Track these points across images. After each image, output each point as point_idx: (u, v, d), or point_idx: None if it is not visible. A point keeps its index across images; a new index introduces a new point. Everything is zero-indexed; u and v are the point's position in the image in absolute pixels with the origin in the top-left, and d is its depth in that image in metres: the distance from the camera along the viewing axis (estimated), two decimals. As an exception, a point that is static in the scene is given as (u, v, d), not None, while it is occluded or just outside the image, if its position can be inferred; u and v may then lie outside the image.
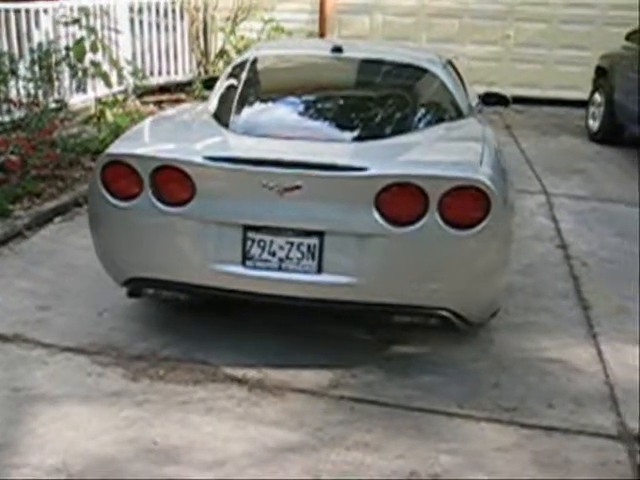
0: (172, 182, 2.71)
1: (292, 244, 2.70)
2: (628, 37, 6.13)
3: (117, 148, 2.82)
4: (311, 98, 3.37)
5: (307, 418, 2.69)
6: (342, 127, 3.14)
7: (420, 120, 3.19)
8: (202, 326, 3.27)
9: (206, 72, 7.74)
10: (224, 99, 3.42)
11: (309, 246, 2.69)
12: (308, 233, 2.68)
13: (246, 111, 3.22)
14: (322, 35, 8.41)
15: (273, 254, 2.72)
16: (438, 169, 2.65)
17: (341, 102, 3.38)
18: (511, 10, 8.36)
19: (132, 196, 2.77)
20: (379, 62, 3.58)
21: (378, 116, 3.17)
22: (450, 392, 2.89)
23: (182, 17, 7.83)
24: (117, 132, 5.42)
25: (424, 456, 2.51)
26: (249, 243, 2.72)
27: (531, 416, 2.76)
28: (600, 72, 7.01)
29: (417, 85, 3.48)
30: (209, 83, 4.77)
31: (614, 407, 2.82)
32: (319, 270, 2.70)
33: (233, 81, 3.54)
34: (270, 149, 2.80)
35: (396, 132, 3.03)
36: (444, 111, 3.39)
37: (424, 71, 3.55)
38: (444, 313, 2.77)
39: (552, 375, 3.05)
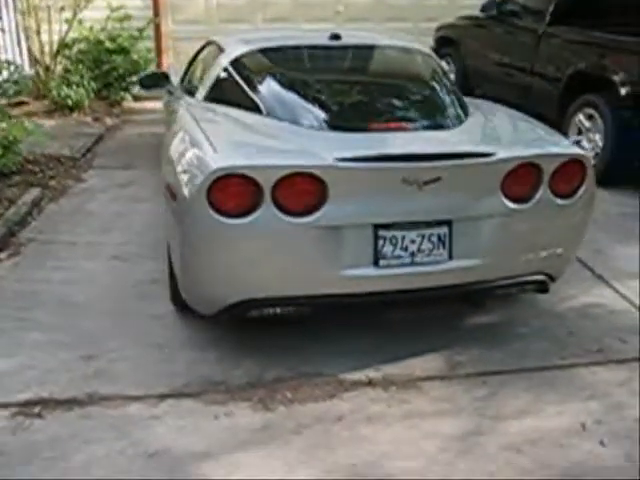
0: (300, 190, 2.52)
1: (423, 236, 2.69)
2: (484, 9, 6.81)
3: (224, 161, 2.50)
4: (354, 89, 3.27)
5: (458, 401, 2.75)
6: (413, 116, 3.13)
7: (460, 102, 3.30)
8: (279, 339, 3.09)
9: (47, 69, 6.89)
10: (247, 96, 3.19)
11: (439, 235, 2.71)
12: (438, 223, 2.70)
13: (307, 107, 3.04)
14: (157, 20, 7.93)
15: (405, 249, 2.68)
16: (553, 148, 2.84)
17: (386, 91, 3.32)
18: (340, -14, 8.68)
19: (247, 212, 2.52)
20: (383, 47, 3.61)
21: (434, 102, 3.23)
22: (542, 348, 3.14)
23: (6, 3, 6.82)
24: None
25: (576, 407, 2.73)
26: (380, 242, 2.65)
27: (617, 352, 3.11)
28: (443, 41, 7.69)
29: (435, 69, 3.57)
30: (150, 81, 4.38)
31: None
32: (450, 257, 2.74)
33: (241, 77, 3.33)
34: (384, 143, 2.72)
35: (459, 117, 3.11)
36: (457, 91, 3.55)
37: (428, 55, 3.66)
38: (542, 277, 3.00)
39: (598, 316, 3.43)
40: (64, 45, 6.86)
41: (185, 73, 4.59)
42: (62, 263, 3.82)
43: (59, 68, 7.12)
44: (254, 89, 3.23)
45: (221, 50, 3.69)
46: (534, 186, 2.76)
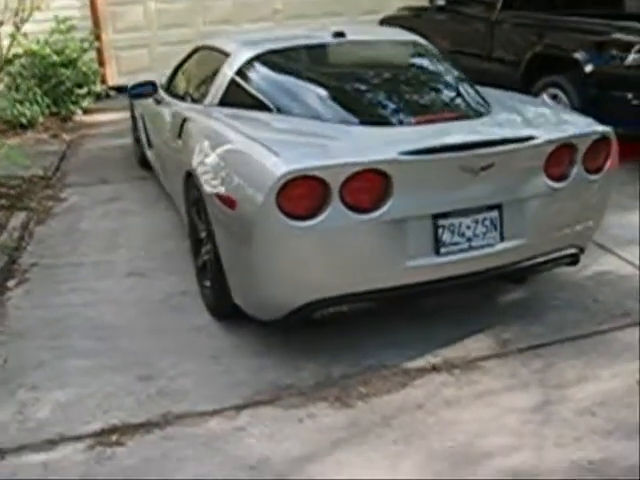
0: (366, 186, 2.55)
1: (477, 221, 2.78)
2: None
3: (292, 164, 2.48)
4: (383, 85, 3.29)
5: (520, 375, 2.86)
6: (448, 106, 3.21)
7: (477, 91, 3.41)
8: (329, 338, 3.10)
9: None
10: (275, 99, 3.19)
11: (491, 219, 2.81)
12: (490, 207, 2.79)
13: (343, 105, 3.06)
14: (97, 31, 7.69)
15: (462, 235, 2.77)
16: (585, 127, 2.98)
17: (414, 84, 3.38)
18: (278, -16, 8.68)
19: (316, 213, 2.53)
20: (390, 42, 3.67)
21: (461, 92, 3.31)
22: (576, 318, 3.30)
23: None
24: None
25: (626, 368, 2.89)
26: (440, 230, 2.72)
27: (641, 313, 3.33)
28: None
29: (443, 60, 3.66)
30: (140, 91, 4.27)
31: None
32: (502, 239, 2.85)
33: (262, 79, 3.33)
34: (436, 134, 2.78)
35: (487, 105, 3.21)
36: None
37: (431, 48, 3.76)
38: (575, 250, 3.16)
39: (612, 282, 3.63)
40: (7, 61, 6.54)
41: (170, 80, 4.49)
42: (76, 285, 3.69)
43: (0, 86, 6.79)
44: (281, 91, 3.24)
45: (225, 54, 3.65)
46: (571, 164, 2.92)
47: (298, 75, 3.36)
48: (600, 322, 3.25)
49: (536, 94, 5.59)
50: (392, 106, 3.08)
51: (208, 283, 3.28)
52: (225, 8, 8.49)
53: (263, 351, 3.05)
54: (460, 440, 2.49)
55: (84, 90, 7.19)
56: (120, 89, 8.16)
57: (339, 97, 3.14)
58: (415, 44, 3.75)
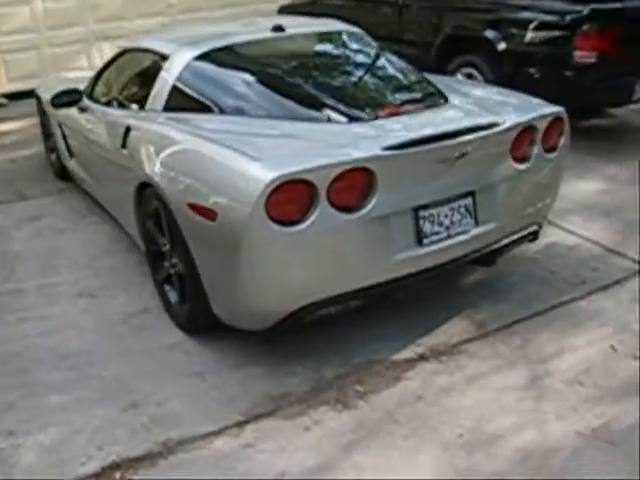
0: (352, 185, 2.51)
1: (453, 209, 2.82)
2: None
3: (278, 169, 2.39)
4: (339, 79, 3.23)
5: (503, 355, 2.94)
6: (407, 97, 3.20)
7: (426, 78, 3.44)
8: (309, 340, 3.05)
9: None
10: (230, 100, 3.08)
11: (466, 206, 2.85)
12: (464, 195, 2.84)
13: (303, 102, 2.99)
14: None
15: (441, 224, 2.79)
16: (542, 109, 3.06)
17: (369, 76, 3.33)
18: (169, -22, 8.35)
19: (304, 217, 2.47)
20: (328, 34, 3.62)
21: (414, 82, 3.32)
22: (538, 291, 3.42)
23: None
24: None
25: (598, 335, 3.06)
26: (421, 222, 2.73)
27: (596, 280, 3.49)
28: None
29: (383, 49, 3.65)
30: (64, 100, 4.00)
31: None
32: (476, 224, 2.90)
33: (213, 81, 3.20)
34: (409, 127, 2.77)
35: (442, 93, 3.23)
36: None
37: (364, 37, 3.75)
38: (536, 227, 3.28)
39: (562, 254, 3.79)
40: None
41: (93, 86, 4.23)
42: (25, 314, 3.42)
43: None
44: (234, 91, 3.12)
45: (162, 56, 3.47)
46: (532, 145, 3.01)
47: (249, 73, 3.24)
48: (561, 293, 3.40)
49: (451, 74, 5.74)
50: (355, 101, 3.04)
51: (176, 298, 3.14)
52: (116, 4, 8.07)
53: (247, 361, 2.96)
54: (467, 426, 2.54)
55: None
56: (13, 96, 7.66)
57: (299, 94, 3.06)
58: (354, 34, 3.72)
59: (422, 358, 2.95)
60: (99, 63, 8.04)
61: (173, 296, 3.18)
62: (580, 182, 4.73)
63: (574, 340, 3.04)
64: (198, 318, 3.01)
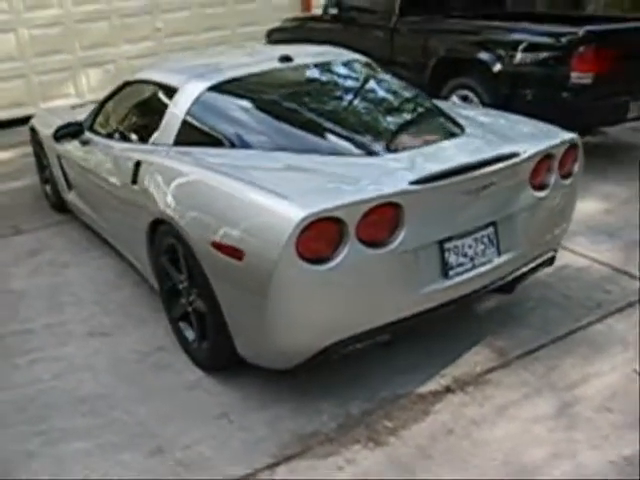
0: (380, 220, 2.48)
1: (477, 240, 2.81)
2: (325, 9, 7.01)
3: (308, 207, 2.34)
4: (357, 110, 3.20)
5: (529, 382, 2.92)
6: (426, 128, 3.20)
7: (439, 106, 3.45)
8: (333, 375, 3.01)
9: None
10: (246, 134, 3.04)
11: (488, 236, 2.85)
12: (487, 225, 2.83)
13: (325, 135, 2.96)
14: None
15: (465, 255, 2.78)
16: (559, 136, 3.06)
17: (383, 107, 3.31)
18: (155, 3, 8.29)
19: (334, 254, 2.44)
20: (338, 64, 3.60)
21: (430, 111, 3.32)
22: (555, 316, 3.42)
23: None
24: None
25: (619, 359, 3.06)
26: (446, 254, 2.72)
27: (611, 303, 3.50)
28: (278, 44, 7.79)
29: (395, 78, 3.65)
30: (66, 133, 3.95)
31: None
32: (499, 253, 2.90)
33: (228, 114, 3.17)
34: (433, 159, 2.75)
35: (458, 123, 3.23)
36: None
37: (374, 65, 3.74)
38: (553, 253, 3.29)
39: (573, 276, 3.80)
40: None
41: (95, 119, 4.17)
42: (35, 355, 3.34)
43: None
44: (249, 125, 3.08)
45: (170, 88, 3.43)
46: (550, 173, 3.02)
47: (262, 106, 3.21)
48: (578, 317, 3.41)
49: (446, 96, 5.78)
50: (374, 132, 3.02)
51: (194, 335, 3.08)
52: (101, 30, 8.02)
53: (271, 400, 2.91)
54: (501, 459, 2.52)
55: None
56: (-1, 125, 7.56)
57: (316, 127, 3.02)
58: (363, 63, 3.72)
59: (448, 390, 2.92)
60: (86, 90, 8.06)
61: (190, 334, 3.12)
62: (581, 202, 4.74)
63: (597, 365, 3.03)
64: (219, 356, 2.95)
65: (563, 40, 4.94)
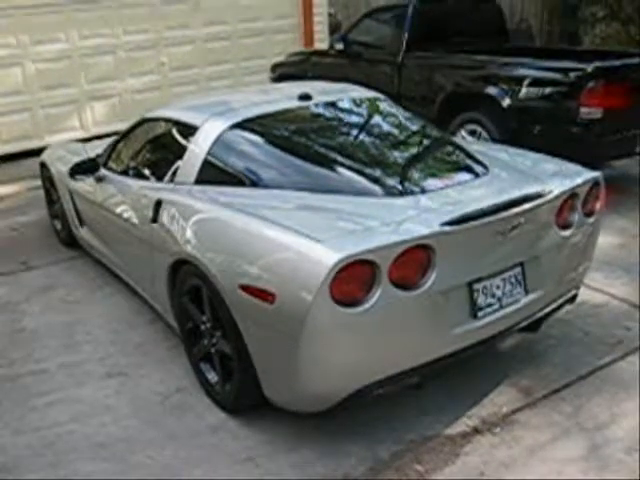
0: (412, 262, 2.47)
1: (505, 280, 2.80)
2: (332, 44, 7.08)
3: (344, 250, 2.32)
4: (381, 151, 3.21)
5: (557, 422, 2.90)
6: (453, 168, 3.21)
7: (459, 145, 3.47)
8: (357, 417, 2.97)
9: None
10: (268, 174, 3.04)
11: (516, 276, 2.84)
12: (514, 265, 2.82)
13: (350, 176, 2.97)
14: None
15: (493, 295, 2.76)
16: (583, 175, 3.09)
17: (408, 146, 3.33)
18: (160, 37, 8.36)
19: (366, 297, 2.42)
20: (357, 102, 3.62)
21: (453, 150, 3.33)
22: (577, 353, 3.40)
23: None
24: None
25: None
26: (475, 295, 2.70)
27: (632, 340, 3.49)
28: (285, 78, 7.81)
29: (413, 116, 3.67)
30: (82, 170, 3.96)
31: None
32: (526, 293, 2.88)
33: (250, 154, 3.17)
34: (461, 200, 2.74)
35: (481, 162, 3.24)
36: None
37: (391, 103, 3.77)
38: (576, 291, 3.28)
39: (592, 313, 3.79)
40: None
41: (109, 155, 4.17)
42: (52, 397, 3.28)
43: None
44: (273, 164, 3.08)
45: (190, 127, 3.43)
46: (573, 212, 3.02)
47: (285, 144, 3.21)
48: (600, 355, 3.39)
49: (454, 131, 5.81)
50: (402, 173, 3.02)
51: (217, 377, 3.04)
52: (107, 64, 8.06)
53: (298, 443, 2.86)
54: (538, 504, 2.48)
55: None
56: (5, 158, 7.54)
57: (342, 166, 3.02)
58: (382, 101, 3.74)
59: (476, 431, 2.88)
60: (91, 123, 8.08)
61: (212, 376, 3.08)
62: (595, 237, 4.77)
63: (624, 405, 3.01)
64: (244, 399, 2.91)
65: (572, 75, 5.00)
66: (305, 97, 3.53)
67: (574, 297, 3.31)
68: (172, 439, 2.93)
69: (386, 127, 3.49)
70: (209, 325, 2.99)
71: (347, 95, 3.70)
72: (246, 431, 2.94)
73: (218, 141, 3.25)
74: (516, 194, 2.75)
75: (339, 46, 6.98)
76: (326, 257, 2.34)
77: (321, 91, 3.74)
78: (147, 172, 3.73)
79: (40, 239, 5.41)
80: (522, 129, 5.38)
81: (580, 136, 5.04)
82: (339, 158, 3.09)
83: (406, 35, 6.33)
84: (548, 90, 5.15)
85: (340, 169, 3.03)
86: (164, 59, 8.47)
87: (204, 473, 2.71)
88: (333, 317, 2.39)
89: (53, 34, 7.64)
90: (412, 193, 2.84)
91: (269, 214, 2.73)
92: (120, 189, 3.82)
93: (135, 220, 3.55)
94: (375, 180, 2.92)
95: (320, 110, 3.49)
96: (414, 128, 3.52)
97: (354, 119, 3.56)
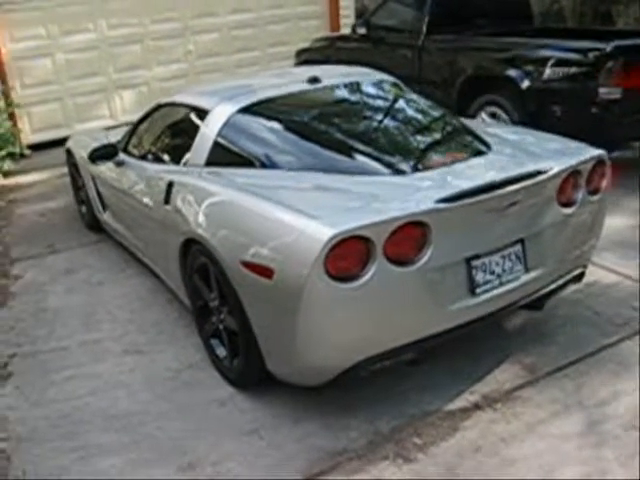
0: (407, 239, 2.52)
1: (504, 257, 2.83)
2: (354, 29, 7.12)
3: (336, 226, 2.40)
4: (385, 130, 3.25)
5: (558, 399, 2.92)
6: (454, 146, 3.24)
7: (465, 125, 3.49)
8: (361, 392, 3.05)
9: None
10: (274, 154, 3.12)
11: (516, 253, 2.86)
12: (514, 242, 2.85)
13: (352, 154, 3.04)
14: (6, 88, 7.26)
15: (492, 272, 2.80)
16: (586, 153, 3.08)
17: (411, 126, 3.38)
18: (186, 26, 8.48)
19: (361, 272, 2.48)
20: (365, 84, 3.67)
21: (458, 129, 3.37)
22: (584, 333, 3.41)
23: None
24: None
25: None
26: (474, 272, 2.74)
27: (642, 319, 3.50)
28: (309, 64, 7.88)
29: (420, 97, 3.70)
30: (102, 154, 4.09)
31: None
32: (526, 270, 2.91)
33: (257, 135, 3.25)
34: (459, 177, 2.79)
35: (484, 141, 3.27)
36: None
37: (401, 85, 3.80)
38: (582, 269, 3.28)
39: (601, 293, 3.78)
40: None
41: (128, 141, 4.29)
42: (71, 372, 3.42)
43: None
44: (279, 145, 3.16)
45: (201, 110, 3.53)
46: (577, 189, 3.03)
47: (291, 127, 3.28)
48: (607, 334, 3.39)
49: (474, 114, 5.80)
50: (403, 152, 3.07)
51: (225, 353, 3.14)
52: (135, 54, 8.22)
53: (301, 416, 2.94)
54: (530, 477, 2.51)
55: (3, 152, 6.76)
56: (36, 147, 7.77)
57: (345, 147, 3.09)
58: (390, 83, 3.78)
59: (477, 407, 2.93)
60: (120, 111, 8.25)
61: (221, 351, 3.19)
62: (609, 218, 4.70)
63: (627, 383, 3.01)
64: (250, 374, 3.00)
65: (591, 56, 4.93)
66: (314, 80, 3.59)
67: (581, 276, 3.30)
68: (182, 412, 3.04)
69: (391, 108, 3.53)
70: (217, 302, 3.08)
71: (355, 78, 3.75)
72: (253, 405, 3.04)
73: (226, 124, 3.34)
74: (513, 172, 2.77)
75: (362, 30, 6.99)
76: (320, 233, 2.41)
77: (331, 74, 3.79)
78: (162, 155, 3.84)
79: (66, 224, 5.59)
80: (541, 111, 5.33)
81: (599, 117, 4.98)
82: (342, 139, 3.15)
83: (426, 18, 6.31)
84: (567, 71, 5.09)
85: (343, 149, 3.09)
86: (191, 47, 8.59)
87: (209, 444, 2.81)
88: (329, 292, 2.45)
89: (82, 25, 7.83)
90: (411, 172, 2.88)
91: (269, 193, 2.81)
92: (138, 173, 3.94)
93: (150, 202, 3.67)
94: (376, 159, 2.98)
95: (327, 92, 3.55)
96: (419, 109, 3.55)
97: (359, 101, 3.61)
